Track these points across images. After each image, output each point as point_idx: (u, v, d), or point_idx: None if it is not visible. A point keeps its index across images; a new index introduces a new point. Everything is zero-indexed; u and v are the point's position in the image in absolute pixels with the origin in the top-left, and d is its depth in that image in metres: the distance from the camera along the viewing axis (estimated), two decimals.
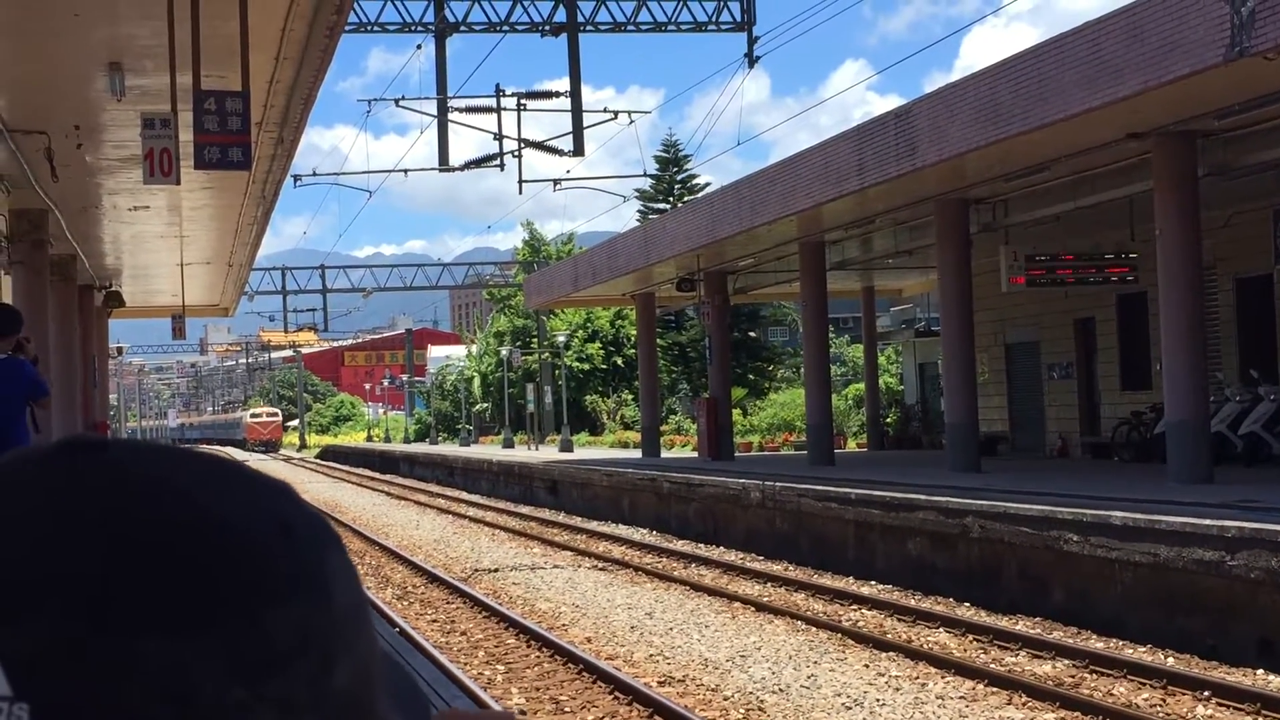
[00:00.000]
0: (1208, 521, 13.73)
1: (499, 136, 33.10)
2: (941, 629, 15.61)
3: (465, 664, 14.35)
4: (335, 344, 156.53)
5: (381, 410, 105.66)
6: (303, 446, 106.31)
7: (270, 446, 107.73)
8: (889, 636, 15.11)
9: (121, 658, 0.59)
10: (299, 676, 0.63)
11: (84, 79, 15.31)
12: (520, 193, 36.22)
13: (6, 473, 0.65)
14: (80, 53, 14.41)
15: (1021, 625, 15.48)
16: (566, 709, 12.31)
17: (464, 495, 42.81)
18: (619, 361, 65.29)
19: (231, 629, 0.61)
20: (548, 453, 48.07)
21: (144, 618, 0.60)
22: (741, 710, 11.97)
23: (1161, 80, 16.25)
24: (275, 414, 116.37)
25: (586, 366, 64.80)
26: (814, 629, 15.86)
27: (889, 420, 41.26)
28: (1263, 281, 25.53)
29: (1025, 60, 19.04)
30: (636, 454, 40.48)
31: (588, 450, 49.58)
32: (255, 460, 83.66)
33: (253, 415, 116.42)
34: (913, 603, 17.37)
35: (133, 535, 0.62)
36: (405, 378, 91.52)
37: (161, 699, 0.60)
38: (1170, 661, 13.27)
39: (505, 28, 31.76)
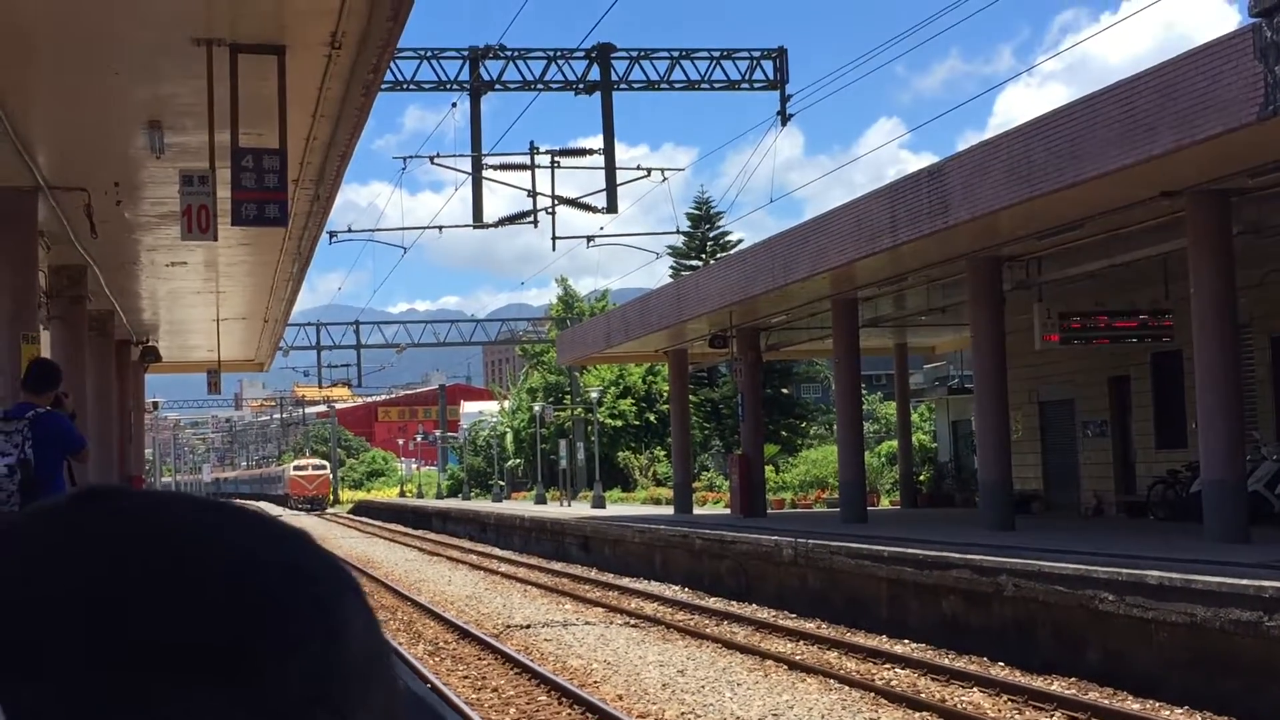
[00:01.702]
0: (1245, 581, 13.62)
1: (533, 193, 33.29)
2: (975, 689, 15.48)
3: None
4: (369, 399, 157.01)
5: (414, 466, 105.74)
6: (335, 501, 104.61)
7: (316, 504, 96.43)
8: (923, 696, 15.00)
9: (126, 708, 0.59)
10: None
11: (124, 137, 15.50)
12: (554, 249, 36.37)
13: (24, 524, 0.66)
14: (120, 111, 14.59)
15: (1056, 685, 15.34)
16: None
17: (496, 551, 42.74)
18: (651, 418, 65.25)
19: (241, 676, 0.61)
20: (580, 509, 48.00)
21: (150, 667, 0.60)
22: None
23: (1195, 139, 16.24)
24: (323, 466, 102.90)
25: (619, 423, 64.77)
26: (847, 688, 15.75)
27: (922, 478, 41.09)
28: None
29: (1058, 119, 19.07)
30: (669, 511, 40.38)
31: (620, 507, 49.48)
32: (291, 518, 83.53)
33: (296, 468, 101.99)
34: (946, 661, 17.24)
35: (140, 583, 0.62)
36: (438, 433, 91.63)
37: None
38: None
39: (539, 86, 32.00)
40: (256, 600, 0.63)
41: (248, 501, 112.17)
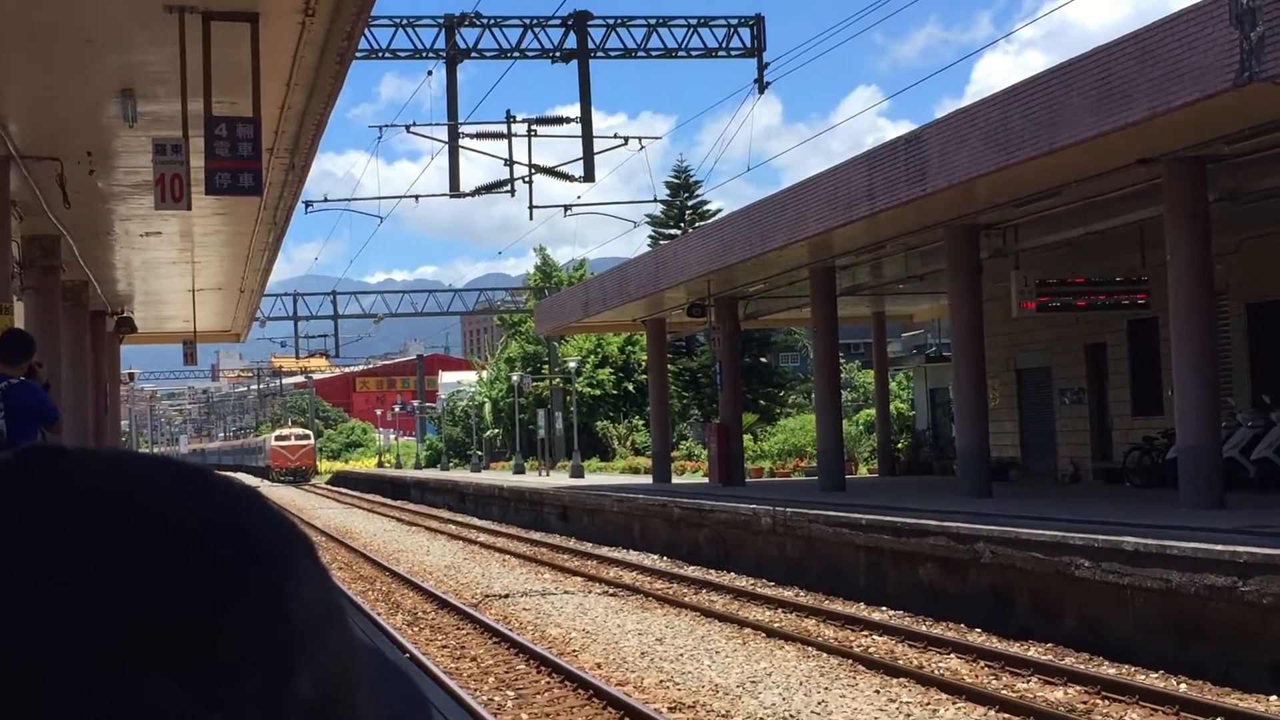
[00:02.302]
0: (1220, 547, 13.68)
1: (510, 162, 33.16)
2: (953, 655, 15.55)
3: (475, 690, 14.32)
4: (347, 370, 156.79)
5: (393, 436, 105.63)
6: (315, 473, 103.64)
7: (300, 475, 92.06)
8: (900, 662, 15.06)
9: (57, 667, 0.58)
10: (253, 685, 0.60)
11: (96, 105, 15.38)
12: (531, 218, 36.25)
13: None
14: (93, 79, 14.48)
15: (1033, 651, 15.42)
16: None
17: (475, 521, 42.77)
18: (630, 387, 65.28)
19: (177, 634, 0.59)
20: (558, 479, 48.03)
21: (83, 625, 0.58)
22: None
23: (1171, 106, 16.25)
24: (306, 436, 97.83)
25: (597, 392, 64.80)
26: (825, 655, 15.81)
27: (900, 446, 41.20)
28: (1274, 306, 25.48)
29: (1035, 86, 19.06)
30: (647, 480, 40.44)
31: (598, 476, 49.54)
32: (270, 490, 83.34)
33: (278, 438, 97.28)
34: (924, 628, 17.31)
35: (76, 540, 0.60)
36: (416, 403, 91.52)
37: (103, 710, 0.57)
38: (1183, 688, 13.21)
39: (516, 54, 31.84)
40: (196, 557, 0.62)
41: (227, 472, 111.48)
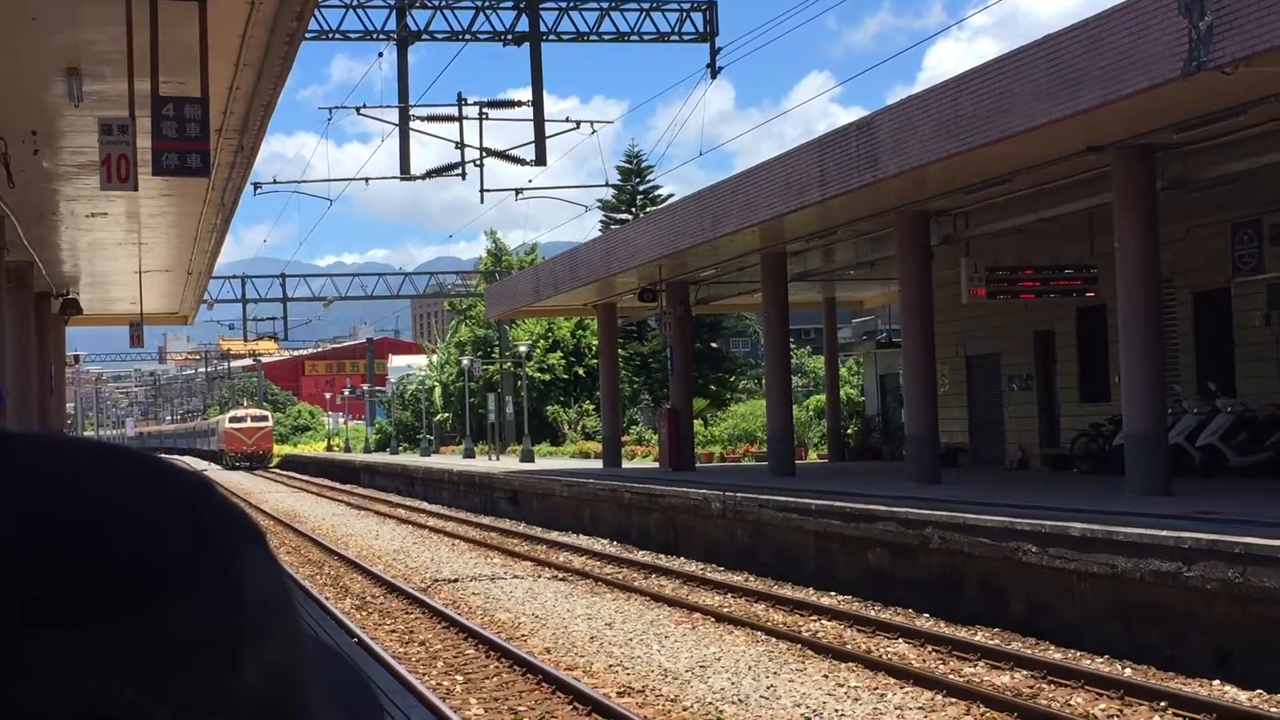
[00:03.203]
0: (1165, 533, 13.80)
1: (461, 145, 33.02)
2: (901, 640, 15.62)
3: (424, 674, 14.28)
4: (295, 353, 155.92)
5: (342, 420, 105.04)
6: (272, 457, 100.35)
7: (257, 460, 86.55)
8: (848, 647, 15.12)
9: (2, 653, 0.57)
10: (201, 674, 0.60)
11: (41, 84, 15.21)
12: (482, 202, 36.12)
13: None
14: (38, 57, 14.31)
15: (980, 636, 15.51)
16: (525, 719, 12.26)
17: (424, 505, 42.67)
18: (580, 372, 65.26)
19: (122, 622, 0.58)
20: (509, 463, 47.97)
21: (26, 612, 0.57)
22: None
23: (1120, 94, 16.33)
24: (264, 418, 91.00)
25: (548, 377, 64.74)
26: (774, 639, 15.85)
27: (850, 431, 41.35)
28: (1220, 295, 25.70)
29: (986, 73, 19.12)
30: (598, 464, 40.44)
31: (549, 460, 49.51)
32: (221, 475, 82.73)
33: (233, 420, 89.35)
34: (872, 613, 17.39)
35: (17, 527, 0.59)
36: (366, 387, 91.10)
37: (47, 699, 0.56)
38: (1128, 672, 13.32)
39: (467, 36, 31.71)
40: (144, 544, 0.61)
41: (175, 457, 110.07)
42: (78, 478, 0.62)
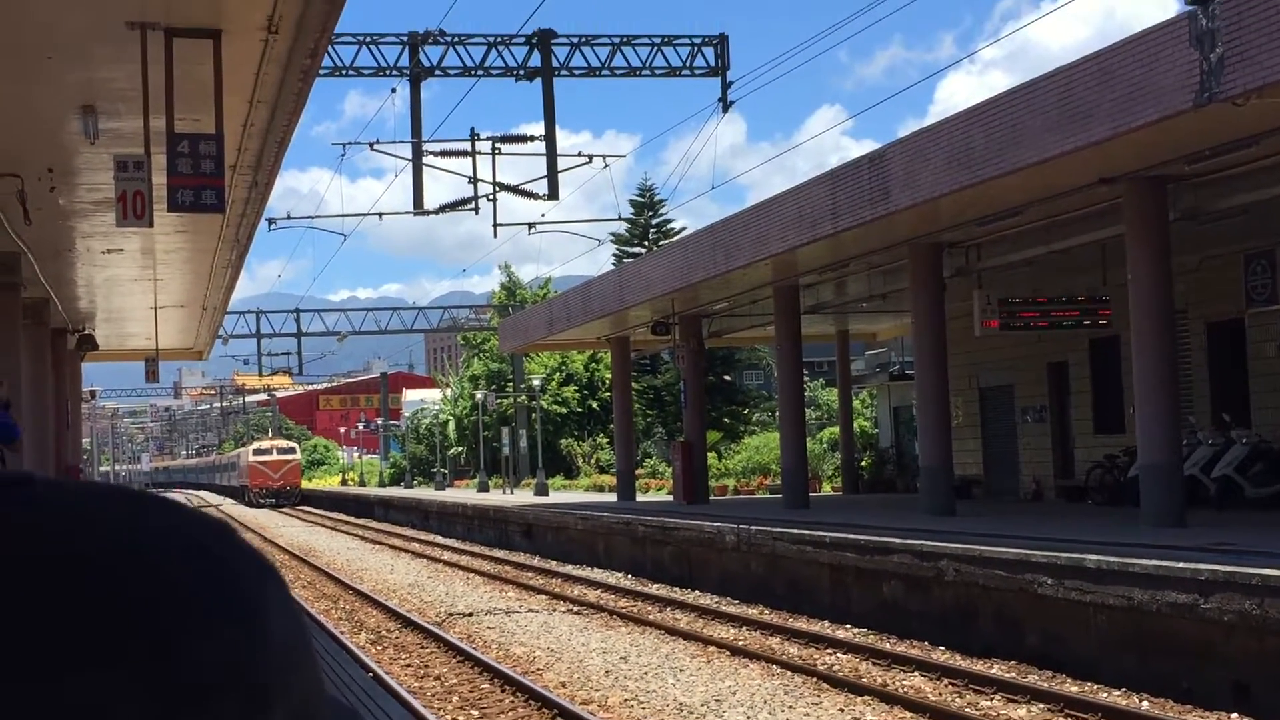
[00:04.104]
0: (1181, 564, 13.75)
1: (474, 180, 33.12)
2: (916, 673, 15.57)
3: (439, 709, 14.26)
4: (310, 387, 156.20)
5: (356, 454, 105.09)
6: (300, 493, 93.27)
7: (284, 497, 79.50)
8: (864, 680, 15.07)
9: (30, 696, 0.57)
10: (225, 714, 0.61)
11: (57, 122, 15.30)
12: (495, 236, 36.20)
13: None
14: (54, 95, 14.40)
15: (996, 669, 15.45)
16: None
17: (439, 539, 42.63)
18: (594, 405, 65.23)
19: (149, 663, 0.59)
20: (523, 496, 47.93)
21: (55, 654, 0.58)
22: None
23: (1131, 125, 16.36)
24: (291, 450, 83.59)
25: (562, 410, 64.72)
26: (789, 673, 15.80)
27: (863, 464, 41.28)
28: (1234, 325, 25.66)
29: (998, 105, 19.16)
30: (611, 497, 40.38)
31: (563, 494, 49.46)
32: (236, 510, 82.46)
33: (257, 452, 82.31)
34: (888, 646, 17.33)
35: (41, 569, 0.60)
36: (380, 421, 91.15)
37: None
38: (1145, 705, 13.25)
39: (480, 72, 31.83)
40: (167, 585, 0.62)
41: (192, 493, 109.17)
42: (100, 520, 0.64)
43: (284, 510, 75.94)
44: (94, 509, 0.64)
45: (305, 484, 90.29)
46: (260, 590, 0.66)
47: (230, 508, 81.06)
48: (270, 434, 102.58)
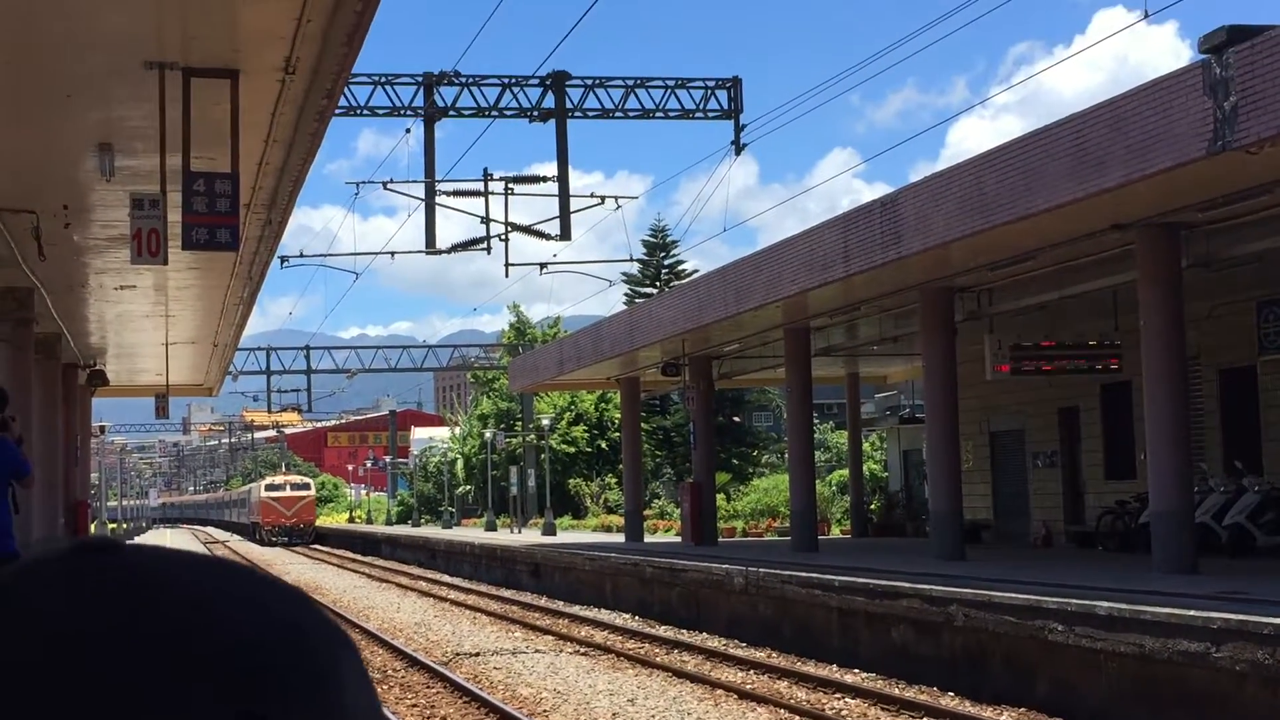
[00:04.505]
0: (1193, 613, 13.69)
1: (486, 220, 33.24)
2: (926, 719, 15.48)
3: None
4: (319, 424, 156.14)
5: (364, 491, 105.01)
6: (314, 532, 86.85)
7: (298, 535, 76.25)
8: None
9: None
10: None
11: (74, 159, 15.38)
12: (507, 276, 36.30)
13: (20, 578, 0.65)
14: (71, 133, 14.48)
15: (1006, 716, 15.37)
16: None
17: (446, 578, 42.54)
18: (603, 445, 65.19)
19: None
20: (530, 536, 47.85)
21: None
22: None
23: (1145, 173, 16.39)
24: (306, 485, 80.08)
25: (571, 449, 64.68)
26: (798, 717, 15.72)
27: (873, 507, 41.18)
28: (1246, 373, 25.62)
29: (1010, 151, 19.20)
30: (620, 538, 40.30)
31: (571, 534, 49.37)
32: (243, 546, 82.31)
33: (270, 488, 78.49)
34: (896, 691, 17.23)
35: (126, 640, 0.61)
36: (388, 459, 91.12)
37: None
38: None
39: (494, 113, 31.99)
40: (255, 662, 0.63)
41: (198, 528, 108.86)
42: (182, 590, 0.65)
43: (295, 549, 75.58)
44: (180, 579, 0.65)
45: None
46: (339, 664, 0.67)
47: (238, 544, 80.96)
48: (284, 469, 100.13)
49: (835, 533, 42.15)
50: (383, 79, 31.55)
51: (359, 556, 60.63)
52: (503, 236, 33.91)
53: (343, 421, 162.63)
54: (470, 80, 31.89)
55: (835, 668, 19.62)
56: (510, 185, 33.57)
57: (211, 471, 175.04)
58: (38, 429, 23.30)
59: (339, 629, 0.70)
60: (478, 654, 22.63)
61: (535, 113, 31.92)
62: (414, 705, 17.54)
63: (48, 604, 0.63)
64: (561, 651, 22.62)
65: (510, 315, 73.83)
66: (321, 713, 0.64)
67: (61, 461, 29.01)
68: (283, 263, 40.63)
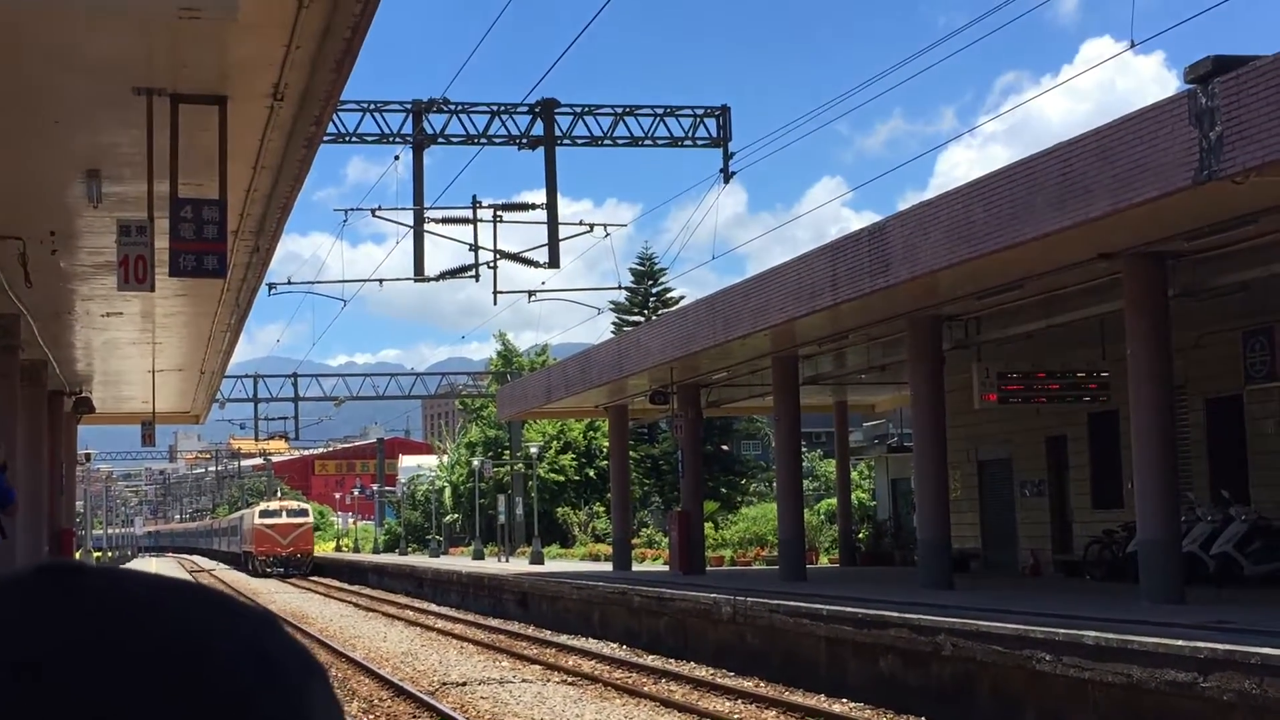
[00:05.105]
0: (1180, 642, 13.67)
1: (475, 247, 33.22)
2: None
3: None
4: (306, 452, 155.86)
5: (351, 520, 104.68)
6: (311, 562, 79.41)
7: (294, 565, 70.97)
8: None
9: None
10: None
11: (61, 185, 15.36)
12: (495, 303, 36.27)
13: None
14: (59, 159, 14.46)
15: None
16: None
17: (433, 607, 42.41)
18: (591, 473, 65.10)
19: None
20: (518, 565, 47.73)
21: None
22: None
23: (1132, 202, 16.43)
24: (303, 512, 74.70)
25: (559, 478, 64.58)
26: None
27: (861, 536, 41.15)
28: (1233, 402, 25.66)
29: (998, 180, 19.25)
30: (608, 567, 40.21)
31: (558, 563, 49.26)
32: (229, 574, 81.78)
33: (264, 514, 72.63)
34: None
35: (89, 664, 0.60)
36: (376, 487, 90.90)
37: None
38: None
39: (483, 140, 32.01)
40: (220, 687, 0.62)
41: (185, 558, 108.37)
42: (149, 614, 0.63)
43: (275, 574, 74.51)
44: (144, 602, 0.64)
45: None
46: (308, 690, 0.66)
47: (224, 573, 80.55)
48: (278, 494, 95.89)
49: (823, 561, 42.09)
50: (372, 106, 31.58)
51: (345, 585, 60.40)
52: (491, 264, 33.89)
53: (330, 449, 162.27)
54: (459, 107, 31.92)
55: (823, 697, 19.56)
56: (499, 213, 33.56)
57: (198, 499, 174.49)
58: (23, 456, 23.21)
59: (309, 656, 0.68)
60: (465, 683, 22.54)
61: (524, 140, 31.96)
62: None
63: (10, 625, 0.62)
64: (549, 681, 22.54)
65: (498, 343, 73.83)
66: None
67: (47, 489, 28.89)
68: (270, 290, 40.52)
